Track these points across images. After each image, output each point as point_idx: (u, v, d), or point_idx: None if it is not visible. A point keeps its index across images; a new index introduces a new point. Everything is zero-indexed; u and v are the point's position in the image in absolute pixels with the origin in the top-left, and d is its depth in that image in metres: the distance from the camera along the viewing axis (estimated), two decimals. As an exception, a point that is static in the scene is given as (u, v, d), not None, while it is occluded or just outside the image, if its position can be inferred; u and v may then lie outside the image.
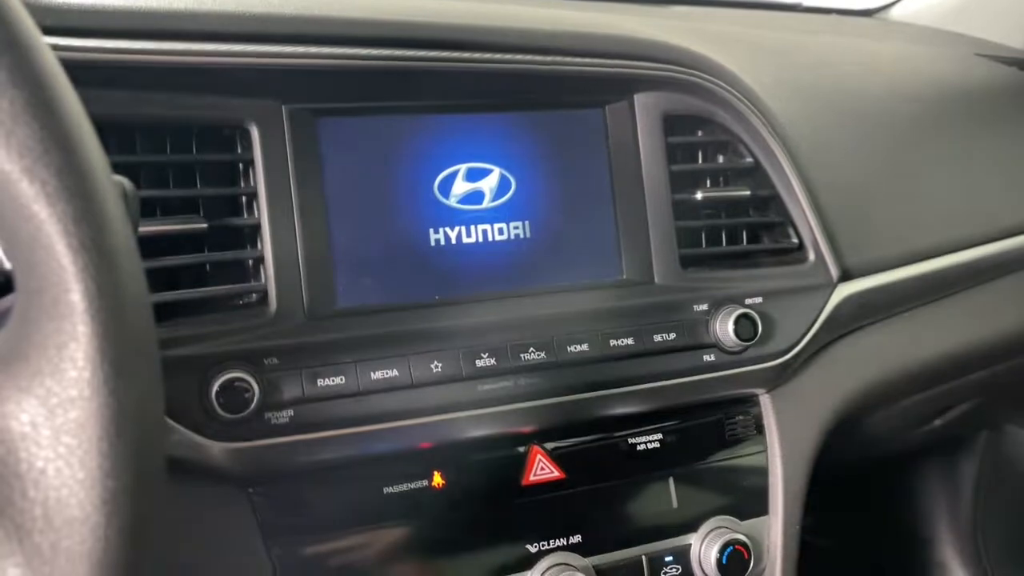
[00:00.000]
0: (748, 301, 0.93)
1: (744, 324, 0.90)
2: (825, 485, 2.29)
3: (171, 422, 0.73)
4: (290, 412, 0.76)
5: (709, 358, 0.91)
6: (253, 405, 0.73)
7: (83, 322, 0.34)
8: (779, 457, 0.97)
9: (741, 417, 0.97)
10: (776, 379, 0.97)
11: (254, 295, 0.79)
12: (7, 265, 0.63)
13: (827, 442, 1.34)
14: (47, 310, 0.34)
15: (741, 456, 0.96)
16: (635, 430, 0.92)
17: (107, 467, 0.35)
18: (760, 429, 0.98)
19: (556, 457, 0.88)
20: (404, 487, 0.83)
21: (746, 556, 0.91)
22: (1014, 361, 1.23)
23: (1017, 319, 1.21)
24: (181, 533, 0.76)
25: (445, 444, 0.84)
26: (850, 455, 1.53)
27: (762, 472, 0.96)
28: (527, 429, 0.87)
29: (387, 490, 0.82)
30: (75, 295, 0.34)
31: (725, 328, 0.90)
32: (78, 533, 0.34)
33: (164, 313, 0.75)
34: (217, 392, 0.72)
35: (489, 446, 0.86)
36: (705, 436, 0.95)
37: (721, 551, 0.90)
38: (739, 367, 0.93)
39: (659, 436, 0.93)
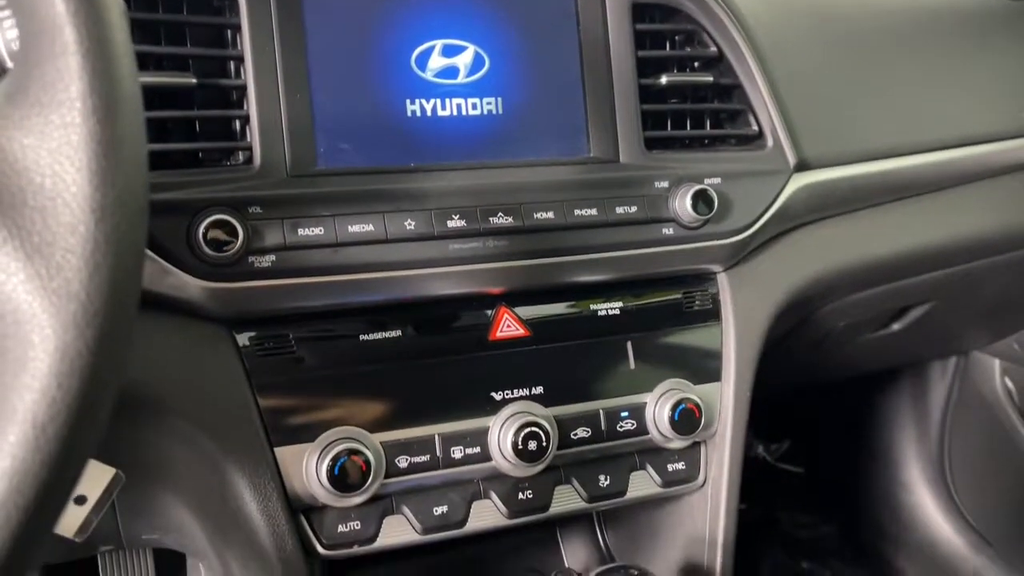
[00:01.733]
0: (707, 181, 0.98)
1: (701, 200, 0.96)
2: (800, 408, 2.38)
3: (160, 260, 0.79)
4: (272, 257, 0.82)
5: (668, 231, 0.97)
6: (237, 246, 0.79)
7: (76, 58, 0.40)
8: (733, 330, 1.03)
9: (699, 292, 1.03)
10: (732, 258, 1.03)
11: (240, 154, 0.85)
12: (9, 64, 0.68)
13: (798, 356, 1.41)
14: (44, 50, 0.40)
15: (697, 327, 1.03)
16: (598, 297, 0.98)
17: (96, 183, 0.41)
18: (716, 304, 1.04)
19: (522, 317, 0.95)
20: (379, 336, 0.89)
21: (697, 415, 0.98)
22: (965, 266, 1.29)
23: (970, 226, 1.26)
24: (169, 372, 0.82)
25: (418, 298, 0.90)
26: (819, 367, 1.60)
27: (716, 343, 1.03)
28: (495, 289, 0.94)
29: (363, 338, 0.89)
30: (68, 34, 0.40)
31: (684, 203, 0.96)
32: (72, 236, 0.40)
33: (155, 163, 0.81)
34: (204, 232, 0.78)
35: (459, 303, 0.93)
36: (664, 307, 1.02)
37: (673, 408, 0.97)
38: (696, 242, 0.99)
39: (620, 304, 0.99)
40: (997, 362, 1.88)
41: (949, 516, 2.03)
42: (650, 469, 1.01)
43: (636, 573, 0.86)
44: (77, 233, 0.40)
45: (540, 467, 0.93)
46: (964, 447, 2.00)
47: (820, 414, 2.33)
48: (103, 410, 0.43)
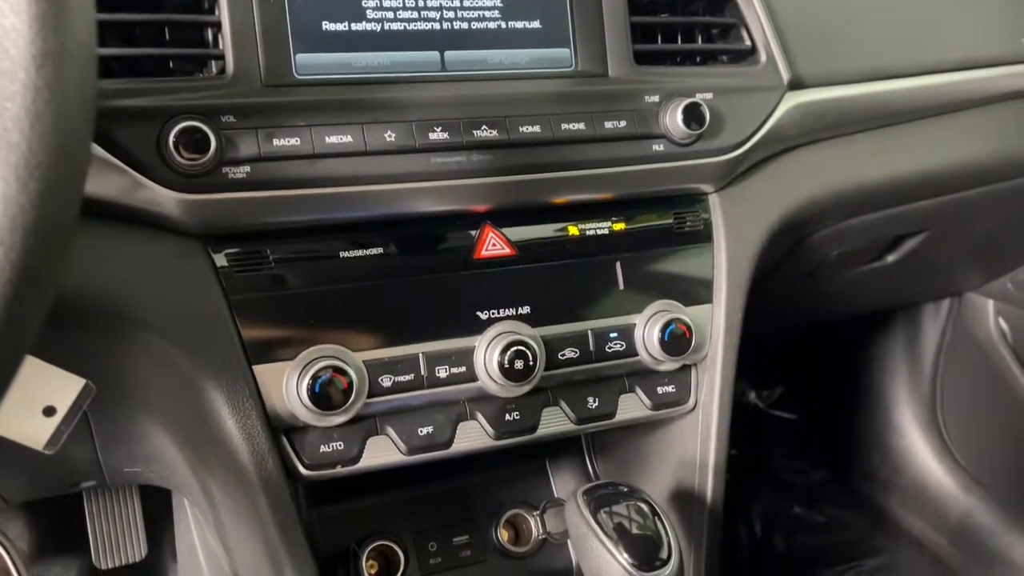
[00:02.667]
0: (699, 95, 0.95)
1: (693, 113, 0.92)
2: (792, 355, 2.37)
3: (131, 171, 0.76)
4: (247, 168, 0.79)
5: (658, 148, 0.94)
6: (210, 155, 0.76)
7: None
8: (724, 251, 1.01)
9: (690, 213, 1.01)
10: (723, 177, 1.00)
11: (212, 64, 0.82)
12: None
13: (791, 289, 1.39)
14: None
15: (688, 248, 1.00)
16: (586, 216, 0.96)
17: (37, 28, 0.38)
18: (708, 226, 1.01)
19: (508, 235, 0.92)
20: (360, 253, 0.87)
21: (688, 335, 0.95)
22: (961, 194, 1.27)
23: (967, 153, 1.24)
24: (142, 286, 0.80)
25: (400, 215, 0.87)
26: (812, 303, 1.59)
27: (707, 264, 1.01)
28: (480, 207, 0.91)
29: (344, 255, 0.86)
30: None
31: (674, 118, 0.93)
32: (11, 84, 0.37)
33: (122, 70, 0.78)
34: (175, 140, 0.75)
35: (443, 221, 0.90)
36: (654, 228, 0.99)
37: (663, 329, 0.95)
38: (687, 160, 0.96)
39: (609, 224, 0.97)
40: (991, 303, 1.87)
41: (940, 458, 2.03)
42: (639, 392, 0.99)
43: (625, 490, 0.85)
44: (17, 80, 0.37)
45: (527, 388, 0.91)
46: (956, 389, 2.00)
47: (813, 360, 2.32)
48: (48, 279, 0.41)
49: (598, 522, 0.80)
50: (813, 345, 2.32)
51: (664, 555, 0.78)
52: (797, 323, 1.80)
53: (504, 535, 1.15)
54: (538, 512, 1.14)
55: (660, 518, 0.82)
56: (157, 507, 1.48)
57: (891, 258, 1.38)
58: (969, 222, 1.37)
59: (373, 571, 1.08)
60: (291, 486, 0.88)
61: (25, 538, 1.64)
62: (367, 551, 1.07)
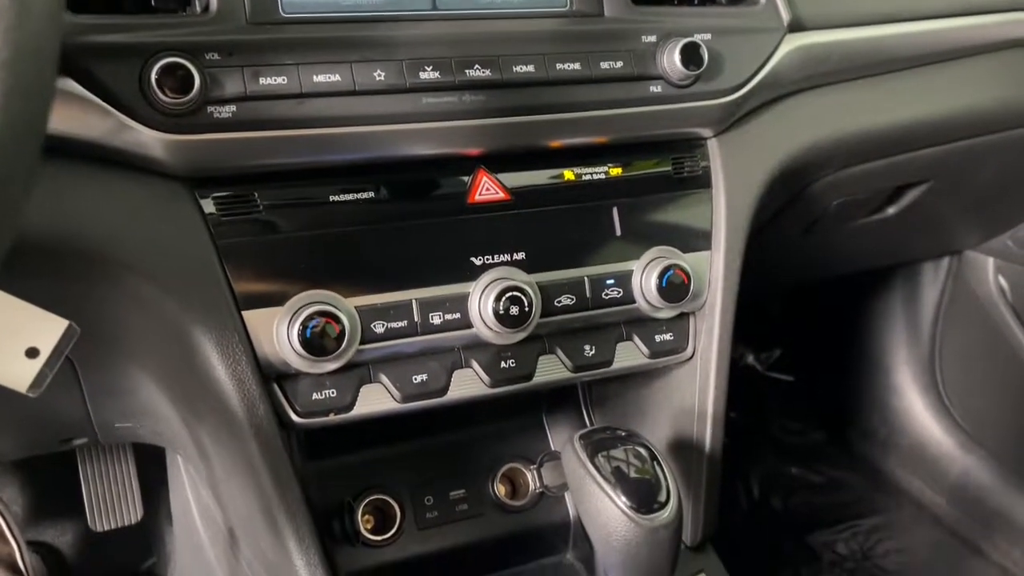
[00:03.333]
0: (697, 36, 0.93)
1: (691, 54, 0.90)
2: (791, 317, 2.36)
3: (114, 111, 0.74)
4: (232, 108, 0.77)
5: (656, 89, 0.92)
6: (194, 93, 0.74)
7: None
8: (723, 197, 0.99)
9: (688, 158, 0.99)
10: (722, 121, 0.98)
11: (196, 1, 0.79)
12: None
13: (791, 242, 1.36)
14: None
15: (687, 194, 0.98)
16: (583, 161, 0.93)
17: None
18: (706, 171, 0.99)
19: (502, 180, 0.90)
20: (351, 197, 0.85)
21: (686, 281, 0.94)
22: (963, 143, 1.25)
23: (969, 101, 1.22)
24: (128, 230, 0.78)
25: (391, 158, 0.85)
26: (812, 256, 1.57)
27: (706, 211, 0.99)
28: (473, 151, 0.89)
29: (334, 199, 0.84)
30: None
31: (672, 58, 0.90)
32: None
33: (104, 6, 0.75)
34: (157, 77, 0.73)
35: (436, 165, 0.88)
36: (652, 173, 0.97)
37: (661, 275, 0.93)
38: (685, 102, 0.94)
39: (605, 168, 0.95)
40: (991, 261, 1.85)
41: (939, 418, 2.02)
42: (637, 340, 0.97)
43: (623, 434, 0.83)
44: None
45: (523, 335, 0.89)
46: (955, 349, 1.99)
47: (811, 322, 2.31)
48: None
49: (596, 466, 0.78)
50: (811, 307, 2.31)
51: (663, 498, 0.77)
52: (798, 281, 1.78)
53: (501, 490, 1.14)
54: (535, 466, 1.13)
55: (659, 463, 0.80)
56: (152, 470, 1.48)
57: (892, 210, 1.36)
58: (971, 173, 1.35)
59: (369, 526, 1.07)
60: (284, 437, 0.86)
61: (20, 502, 1.64)
62: (363, 505, 1.06)
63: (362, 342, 0.84)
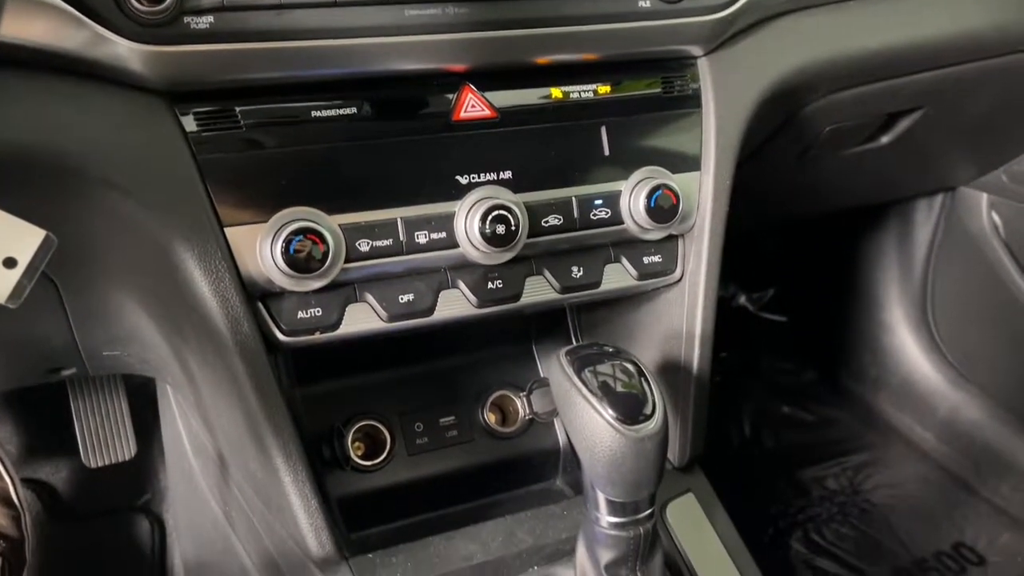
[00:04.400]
0: (686, -50, 0.91)
1: (680, -33, 0.88)
2: (784, 256, 2.35)
3: (89, 22, 0.72)
4: (210, 19, 0.75)
5: (644, 4, 0.90)
6: (169, 1, 0.72)
7: None
8: (713, 117, 0.97)
9: (678, 78, 0.97)
10: (712, 39, 0.96)
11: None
12: None
13: (783, 171, 1.35)
14: None
15: (676, 113, 0.97)
16: (571, 78, 0.92)
17: None
18: (696, 91, 0.98)
19: (488, 97, 0.89)
20: (333, 112, 0.83)
21: (675, 201, 0.93)
22: (956, 68, 1.23)
23: (962, 24, 1.19)
24: (107, 144, 0.76)
25: (374, 73, 0.84)
26: (804, 189, 1.56)
27: (696, 130, 0.97)
28: (458, 66, 0.87)
29: (316, 115, 0.83)
30: None
31: (661, -28, 0.88)
32: None
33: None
34: None
35: (420, 80, 0.86)
36: (642, 93, 0.95)
37: (649, 195, 0.92)
38: (674, 18, 0.92)
39: (594, 87, 0.93)
40: (984, 197, 1.85)
41: (929, 355, 2.03)
42: (625, 262, 0.97)
43: (610, 350, 0.83)
44: None
45: (509, 255, 0.89)
46: (946, 286, 1.99)
47: (805, 261, 2.31)
48: None
49: (582, 380, 0.78)
50: (805, 246, 2.30)
51: (648, 411, 0.76)
52: (791, 215, 1.77)
53: (491, 417, 1.15)
54: (524, 393, 1.14)
55: (645, 378, 0.80)
56: (144, 408, 1.48)
57: (885, 139, 1.34)
58: (964, 101, 1.33)
59: (360, 453, 1.07)
60: (272, 360, 0.86)
61: (14, 440, 1.64)
62: (353, 431, 1.06)
63: (347, 261, 0.83)
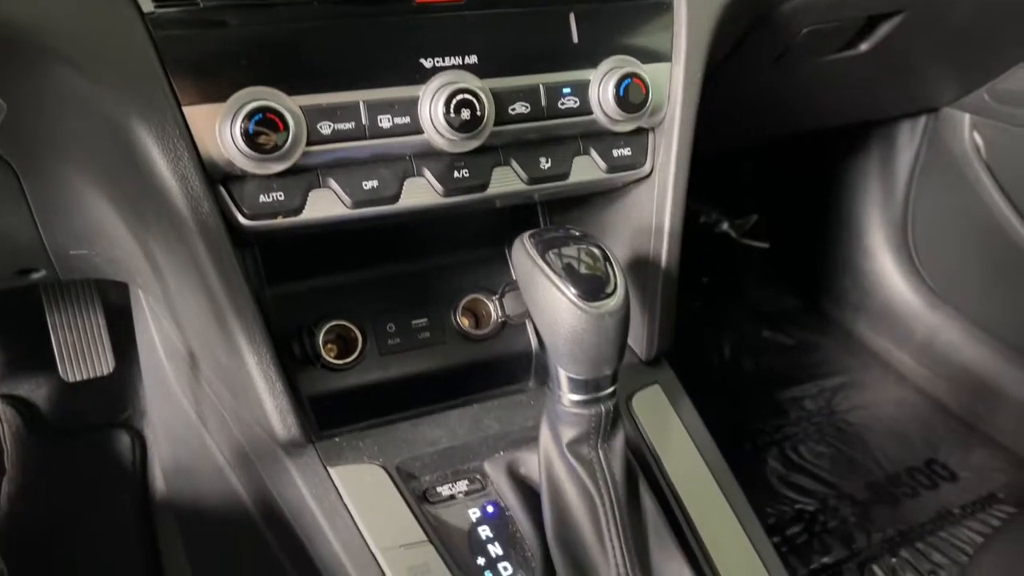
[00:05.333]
0: None
1: None
2: (768, 182, 2.35)
3: None
4: None
5: None
6: None
7: None
8: (685, 6, 0.95)
9: (648, -36, 0.95)
10: (685, -74, 0.94)
11: None
12: None
13: (759, 74, 1.33)
14: None
15: (647, 3, 0.95)
16: None
17: None
18: (668, -22, 0.96)
19: (453, -20, 0.87)
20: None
21: (644, 91, 0.92)
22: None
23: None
24: (57, 16, 0.75)
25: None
26: (782, 103, 1.54)
27: (668, 19, 0.95)
28: (422, -53, 0.85)
29: (274, -8, 0.81)
30: None
31: None
32: None
33: None
34: None
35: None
36: (609, -21, 0.94)
37: (619, 84, 0.91)
38: (645, -99, 0.90)
39: (560, -27, 0.91)
40: (967, 117, 1.84)
41: (908, 278, 2.04)
42: (594, 154, 0.96)
43: (577, 234, 0.83)
44: None
45: (475, 143, 0.88)
46: (927, 209, 1.99)
47: (788, 187, 2.31)
48: None
49: (546, 261, 0.78)
50: (788, 172, 2.30)
51: (610, 290, 0.77)
52: (770, 134, 1.76)
53: (464, 322, 1.15)
54: (497, 296, 1.14)
55: (610, 262, 0.80)
56: (122, 328, 1.48)
57: (864, 46, 1.33)
58: (944, 5, 1.31)
59: (332, 354, 1.08)
60: (239, 255, 0.86)
61: (-8, 358, 1.65)
62: (323, 332, 1.06)
63: (309, 144, 0.82)
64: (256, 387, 0.85)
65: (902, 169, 2.02)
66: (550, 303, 0.76)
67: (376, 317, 1.10)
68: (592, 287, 0.76)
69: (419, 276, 1.14)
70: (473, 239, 1.16)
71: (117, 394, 1.67)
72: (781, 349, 2.16)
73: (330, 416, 1.03)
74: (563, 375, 0.79)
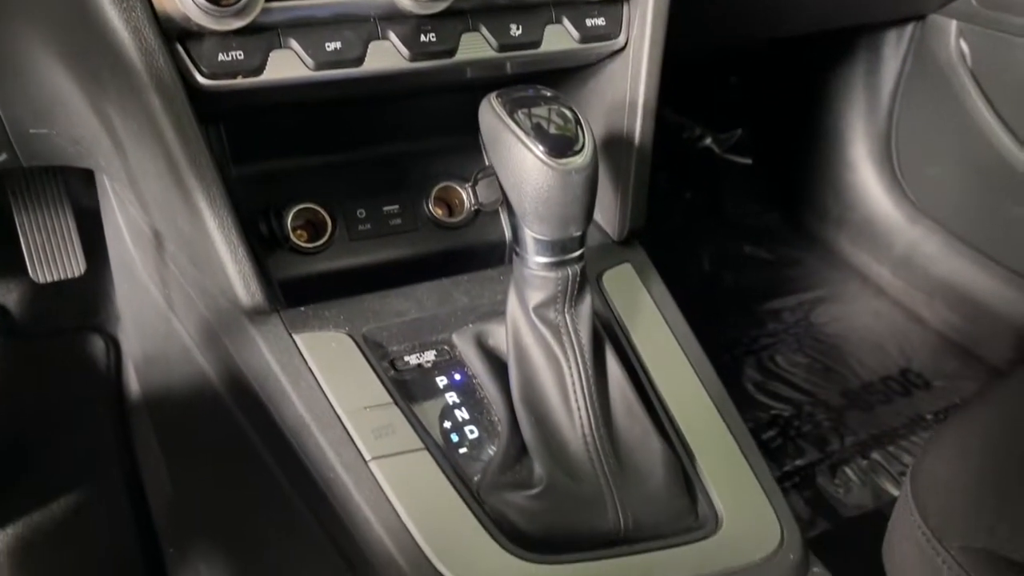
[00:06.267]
0: None
1: None
2: (752, 96, 2.32)
3: None
4: None
5: None
6: None
7: None
8: None
9: None
10: None
11: None
12: None
13: None
14: None
15: None
16: None
17: None
18: None
19: None
20: None
21: None
22: None
23: None
24: None
25: None
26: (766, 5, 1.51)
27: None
28: None
29: None
30: None
31: None
32: None
33: None
34: None
35: None
36: None
37: None
38: None
39: None
40: (953, 24, 1.80)
41: (890, 191, 2.03)
42: (567, 23, 0.93)
43: (548, 95, 0.80)
44: None
45: (442, 4, 0.85)
46: (911, 119, 1.97)
47: (773, 100, 2.28)
48: None
49: (515, 120, 0.76)
50: (774, 85, 2.26)
51: (578, 147, 0.75)
52: (754, 33, 1.72)
53: (437, 211, 1.13)
54: (470, 184, 1.12)
55: (581, 125, 0.78)
56: (92, 231, 1.46)
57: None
58: None
59: (302, 240, 1.06)
60: (203, 129, 0.83)
61: (-39, 263, 1.63)
62: (292, 215, 1.04)
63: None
64: (218, 252, 0.83)
65: (887, 79, 1.99)
66: (517, 160, 0.74)
67: (346, 202, 1.08)
68: (560, 144, 0.74)
69: (390, 161, 1.12)
70: (445, 125, 1.14)
71: (90, 298, 1.66)
72: (761, 264, 2.16)
73: (299, 300, 1.02)
74: (529, 236, 0.77)
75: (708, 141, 2.26)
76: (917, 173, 1.99)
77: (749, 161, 2.29)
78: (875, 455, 1.64)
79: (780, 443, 1.67)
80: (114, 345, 1.62)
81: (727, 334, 1.92)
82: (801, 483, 1.59)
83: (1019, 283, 1.80)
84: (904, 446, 1.66)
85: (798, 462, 1.63)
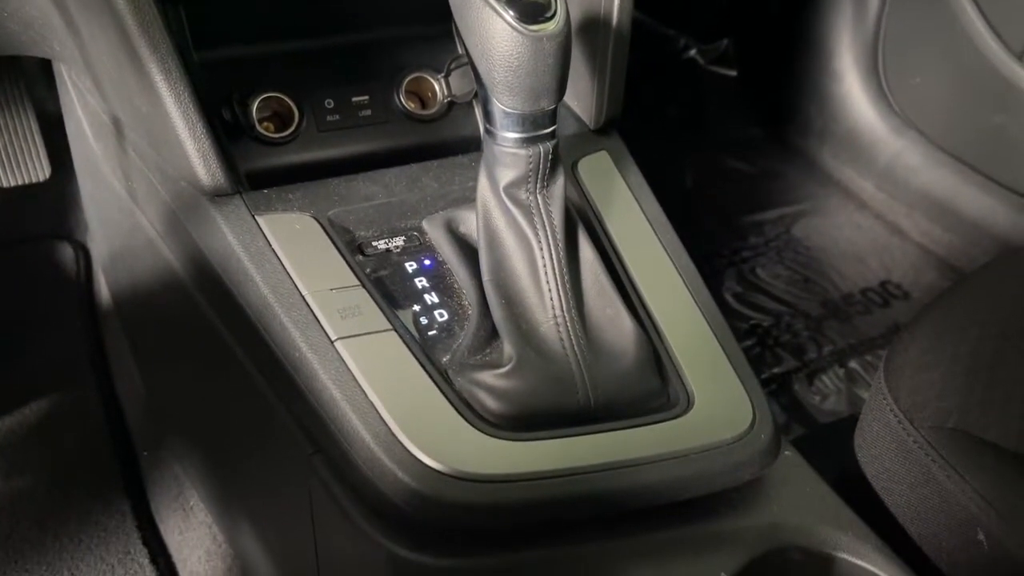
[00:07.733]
0: None
1: None
2: (740, 6, 2.25)
3: None
4: None
5: None
6: None
7: None
8: None
9: None
10: None
11: None
12: None
13: None
14: None
15: None
16: None
17: None
18: None
19: None
20: None
21: None
22: None
23: None
24: None
25: None
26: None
27: None
28: None
29: None
30: None
31: None
32: None
33: None
34: None
35: None
36: None
37: None
38: None
39: None
40: (947, -74, 1.76)
41: (875, 102, 2.00)
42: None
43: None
44: None
45: None
46: (899, 29, 1.93)
47: (759, 8, 2.22)
48: None
49: (483, -12, 0.73)
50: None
51: (550, 14, 0.72)
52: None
53: (410, 104, 1.09)
54: (443, 75, 1.08)
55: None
56: (56, 138, 1.41)
57: None
58: None
59: (269, 131, 1.02)
60: (161, 8, 0.79)
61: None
62: (257, 105, 1.00)
63: None
64: (175, 129, 0.80)
65: (875, -11, 1.94)
66: (485, 26, 0.71)
67: (313, 91, 1.04)
68: (531, 10, 0.71)
69: (360, 50, 1.08)
70: (418, 11, 1.09)
71: (59, 207, 1.62)
72: (744, 177, 2.13)
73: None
74: (499, 109, 0.75)
75: (693, 52, 2.22)
76: (903, 83, 1.96)
77: (734, 73, 2.24)
78: (852, 364, 1.65)
79: (758, 351, 1.68)
80: (84, 253, 1.59)
81: (708, 246, 1.90)
82: (778, 390, 1.60)
83: (999, 192, 1.79)
84: (881, 355, 1.66)
85: (775, 370, 1.63)
